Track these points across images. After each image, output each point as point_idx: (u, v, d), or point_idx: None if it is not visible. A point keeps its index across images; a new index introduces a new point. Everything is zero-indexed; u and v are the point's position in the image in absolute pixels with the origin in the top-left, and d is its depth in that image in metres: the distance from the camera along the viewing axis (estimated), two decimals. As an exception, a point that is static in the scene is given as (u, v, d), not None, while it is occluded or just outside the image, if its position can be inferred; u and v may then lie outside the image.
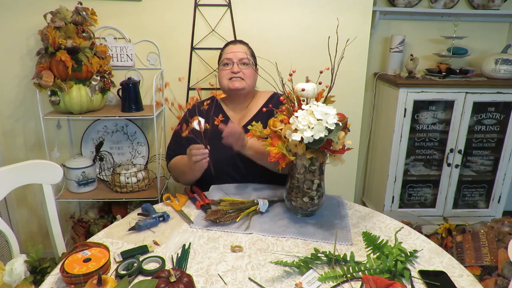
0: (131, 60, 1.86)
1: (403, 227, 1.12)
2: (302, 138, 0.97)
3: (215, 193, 1.31)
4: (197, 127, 1.17)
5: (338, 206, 1.24)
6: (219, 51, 1.94)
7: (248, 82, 1.49)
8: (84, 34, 1.67)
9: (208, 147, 1.21)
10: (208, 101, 1.22)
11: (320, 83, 1.10)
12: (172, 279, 0.76)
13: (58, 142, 1.92)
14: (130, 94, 1.74)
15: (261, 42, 1.89)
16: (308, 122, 0.96)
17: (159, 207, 1.24)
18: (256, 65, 1.58)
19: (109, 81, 1.75)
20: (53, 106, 1.70)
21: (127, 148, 1.99)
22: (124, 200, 1.82)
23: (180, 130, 1.18)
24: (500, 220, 1.78)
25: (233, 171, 1.44)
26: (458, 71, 2.09)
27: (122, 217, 1.53)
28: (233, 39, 1.87)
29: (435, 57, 2.28)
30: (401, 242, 0.99)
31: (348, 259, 0.94)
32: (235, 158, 1.45)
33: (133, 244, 1.01)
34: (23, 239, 2.13)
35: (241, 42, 1.59)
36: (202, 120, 1.20)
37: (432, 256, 0.98)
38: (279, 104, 1.28)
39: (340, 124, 0.99)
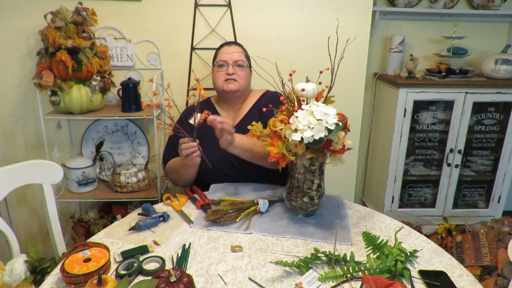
0: (131, 60, 1.86)
1: (403, 227, 1.12)
2: (302, 138, 0.97)
3: (215, 193, 1.32)
4: (191, 122, 1.19)
5: (338, 206, 1.24)
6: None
7: (242, 84, 1.50)
8: (84, 34, 1.67)
9: (197, 141, 1.21)
10: (197, 103, 1.23)
11: (320, 83, 1.10)
12: (172, 279, 0.76)
13: (58, 142, 1.92)
14: (130, 94, 1.74)
15: (261, 42, 1.90)
16: (308, 122, 0.96)
17: (159, 207, 1.24)
18: (250, 66, 1.58)
19: (109, 81, 1.76)
20: (53, 106, 1.70)
21: (127, 148, 1.99)
22: (124, 200, 1.82)
23: (175, 132, 1.19)
24: (500, 220, 1.78)
25: (229, 170, 1.45)
26: (458, 71, 2.09)
27: (122, 217, 1.53)
28: (233, 39, 1.87)
29: (435, 57, 2.28)
30: (401, 242, 0.99)
31: (348, 259, 0.94)
32: (230, 156, 1.45)
33: (133, 244, 1.02)
34: (23, 239, 2.13)
35: (236, 43, 1.59)
36: (198, 116, 1.21)
37: (432, 256, 0.98)
38: (271, 101, 1.27)
39: (340, 124, 1.00)
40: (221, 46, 1.57)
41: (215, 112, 1.57)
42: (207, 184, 1.40)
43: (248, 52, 1.60)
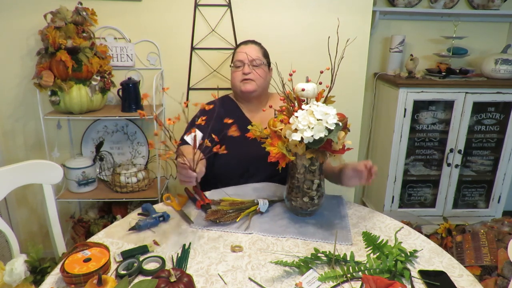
0: (131, 60, 1.86)
1: (403, 227, 1.12)
2: (302, 138, 0.97)
3: (215, 193, 1.32)
4: (189, 142, 1.01)
5: (338, 206, 1.24)
6: (219, 51, 1.94)
7: (259, 83, 1.47)
8: (84, 34, 1.67)
9: (197, 171, 1.06)
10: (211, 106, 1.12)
11: (320, 83, 1.10)
12: (172, 279, 0.76)
13: (58, 142, 1.92)
14: (130, 94, 1.74)
15: (261, 42, 1.89)
16: (308, 122, 0.96)
17: (159, 207, 1.24)
18: (269, 64, 1.55)
19: (109, 81, 1.76)
20: (53, 106, 1.70)
21: (127, 148, 1.99)
22: (124, 200, 1.82)
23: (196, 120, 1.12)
24: (500, 220, 1.78)
25: (243, 176, 1.43)
26: (458, 71, 2.09)
27: (122, 217, 1.53)
28: (233, 39, 1.87)
29: (435, 57, 2.28)
30: (401, 242, 0.99)
31: (348, 259, 0.94)
32: (247, 164, 1.42)
33: (133, 244, 1.02)
34: (23, 239, 2.13)
35: (253, 42, 1.55)
36: (199, 134, 1.08)
37: (432, 256, 0.98)
38: None
39: (340, 124, 1.00)
40: (238, 45, 1.54)
41: (238, 111, 1.52)
42: (216, 184, 1.38)
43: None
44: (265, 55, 1.53)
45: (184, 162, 1.00)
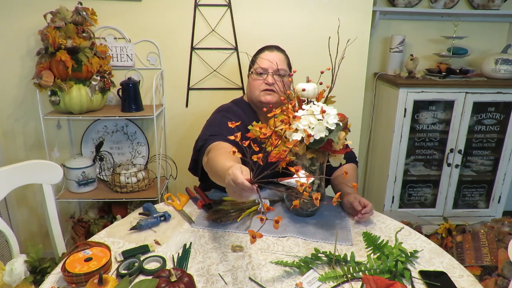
0: (131, 60, 1.86)
1: (403, 228, 1.12)
2: (302, 138, 0.97)
3: (216, 193, 1.32)
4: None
5: (338, 206, 1.24)
6: (219, 51, 1.93)
7: (280, 95, 1.35)
8: (84, 34, 1.67)
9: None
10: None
11: (321, 83, 1.10)
12: (173, 278, 0.76)
13: (58, 142, 1.92)
14: (130, 94, 1.74)
15: (261, 42, 1.88)
16: (309, 122, 0.96)
17: (160, 207, 1.24)
18: (290, 72, 1.43)
19: (109, 81, 1.76)
20: (53, 106, 1.70)
21: (127, 148, 1.99)
22: (124, 200, 1.81)
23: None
24: (500, 220, 1.78)
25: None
26: (458, 71, 2.09)
27: (122, 217, 1.53)
28: (233, 39, 1.87)
29: (435, 57, 2.28)
30: (401, 243, 0.99)
31: (349, 259, 0.94)
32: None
33: (134, 243, 1.02)
34: (23, 239, 2.13)
35: (278, 49, 1.43)
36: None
37: (433, 257, 0.98)
38: None
39: (341, 124, 1.00)
40: (261, 50, 1.42)
41: (255, 115, 1.43)
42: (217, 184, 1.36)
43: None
44: (289, 64, 1.43)
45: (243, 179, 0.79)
